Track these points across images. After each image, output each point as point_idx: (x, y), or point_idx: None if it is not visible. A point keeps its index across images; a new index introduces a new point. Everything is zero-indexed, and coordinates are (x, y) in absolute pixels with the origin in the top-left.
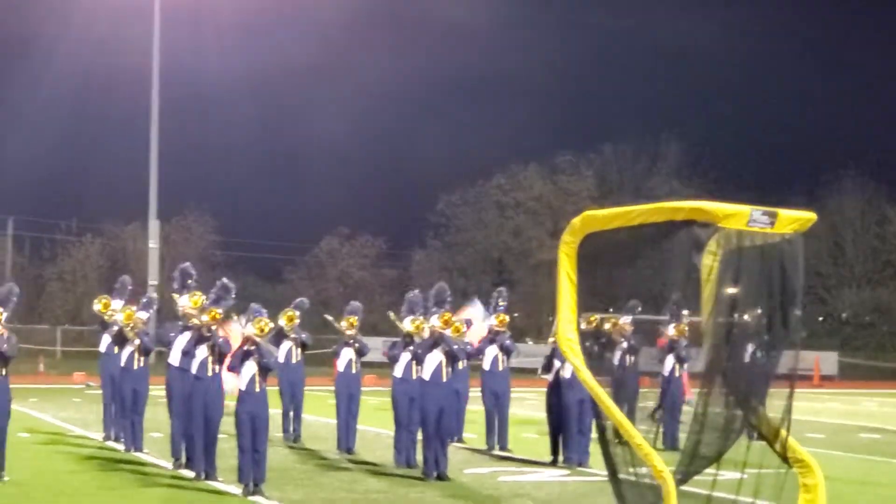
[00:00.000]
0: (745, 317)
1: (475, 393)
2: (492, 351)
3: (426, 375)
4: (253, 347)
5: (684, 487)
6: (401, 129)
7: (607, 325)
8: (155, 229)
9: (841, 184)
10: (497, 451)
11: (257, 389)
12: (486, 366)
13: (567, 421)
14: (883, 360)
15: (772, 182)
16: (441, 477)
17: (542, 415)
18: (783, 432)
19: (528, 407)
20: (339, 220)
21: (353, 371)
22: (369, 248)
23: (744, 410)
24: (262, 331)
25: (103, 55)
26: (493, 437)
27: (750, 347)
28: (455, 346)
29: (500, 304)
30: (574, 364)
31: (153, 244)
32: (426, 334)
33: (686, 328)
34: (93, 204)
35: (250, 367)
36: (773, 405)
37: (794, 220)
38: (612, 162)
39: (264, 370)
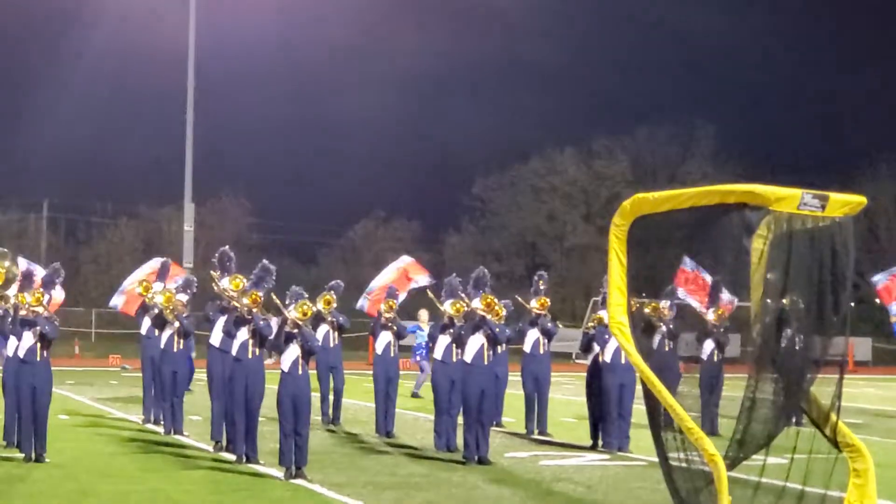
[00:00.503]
0: (796, 301)
1: (513, 376)
2: (533, 334)
3: (468, 358)
4: (296, 330)
5: (733, 473)
6: (437, 113)
7: (647, 310)
8: (190, 212)
9: (875, 169)
10: (536, 436)
11: (300, 372)
12: (528, 349)
13: (607, 405)
14: None
15: (806, 167)
16: (482, 461)
17: (577, 398)
18: (833, 417)
19: (564, 391)
20: (374, 204)
21: (392, 354)
22: (404, 231)
23: (794, 395)
24: (304, 314)
25: (140, 37)
26: (532, 421)
27: (800, 332)
28: (497, 329)
29: (542, 287)
30: (625, 347)
31: (188, 227)
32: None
33: (725, 313)
34: (128, 187)
35: (293, 350)
36: (823, 390)
37: (844, 203)
38: (646, 146)
39: (307, 353)
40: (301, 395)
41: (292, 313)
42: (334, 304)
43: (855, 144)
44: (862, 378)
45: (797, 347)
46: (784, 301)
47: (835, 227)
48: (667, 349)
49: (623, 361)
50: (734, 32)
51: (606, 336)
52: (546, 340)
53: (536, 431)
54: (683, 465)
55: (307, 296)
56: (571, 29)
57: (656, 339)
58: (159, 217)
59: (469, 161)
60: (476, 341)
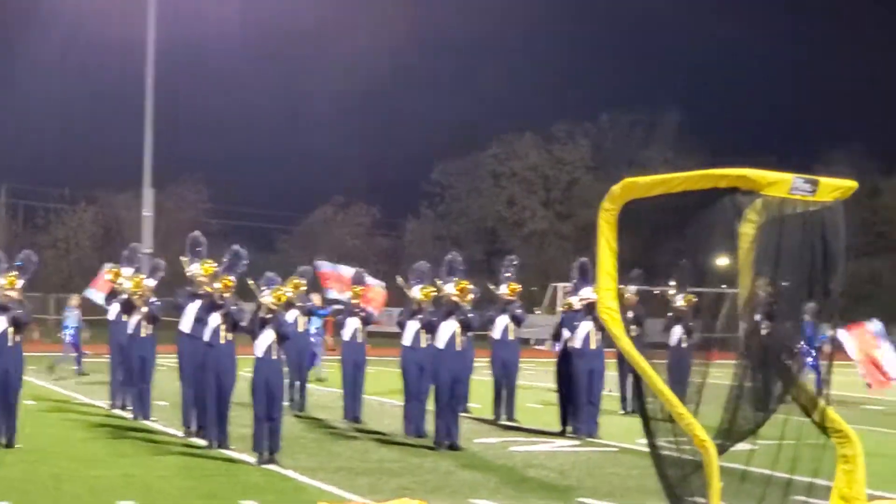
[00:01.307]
0: (786, 286)
1: (477, 362)
2: (502, 320)
3: (440, 344)
4: (270, 315)
5: (720, 462)
6: (396, 98)
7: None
8: (149, 197)
9: (834, 156)
10: (504, 421)
11: (274, 357)
12: (497, 335)
13: (576, 391)
14: None
15: (766, 154)
16: (453, 447)
17: (540, 384)
18: (822, 402)
19: (527, 377)
20: (333, 190)
21: (359, 340)
22: (363, 217)
23: (783, 382)
24: (279, 300)
25: (99, 22)
26: (500, 407)
27: (790, 317)
28: (470, 315)
29: (510, 272)
30: (614, 333)
31: (147, 212)
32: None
33: (694, 299)
34: (87, 172)
35: (268, 336)
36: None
37: (835, 187)
38: (607, 132)
39: (282, 339)
40: (275, 381)
41: (267, 299)
42: (303, 290)
43: (815, 131)
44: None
45: (787, 332)
46: (775, 286)
47: (825, 211)
48: (633, 335)
49: (593, 347)
50: (696, 18)
51: (576, 322)
52: (515, 327)
53: (504, 417)
54: (674, 452)
55: (280, 281)
56: (531, 13)
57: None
58: (118, 203)
59: (429, 146)
60: (448, 327)
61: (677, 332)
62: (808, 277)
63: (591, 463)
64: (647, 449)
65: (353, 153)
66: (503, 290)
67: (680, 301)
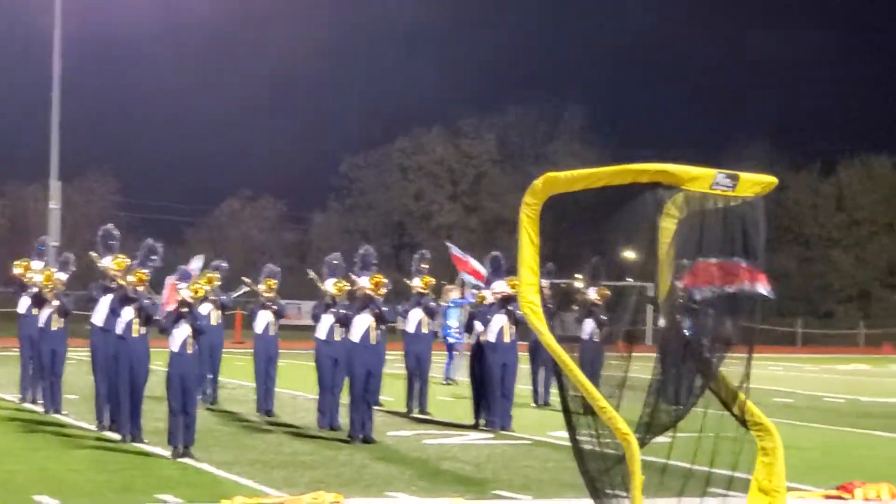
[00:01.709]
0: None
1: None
2: (416, 314)
3: (355, 338)
4: (186, 310)
5: (641, 456)
6: (304, 91)
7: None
8: (56, 190)
9: (741, 149)
10: (417, 414)
11: (189, 351)
12: (410, 328)
13: (490, 384)
14: (780, 325)
15: (673, 146)
16: (367, 440)
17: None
18: (742, 396)
19: (435, 370)
20: (241, 183)
21: (272, 333)
22: (270, 210)
23: (703, 375)
24: (196, 293)
25: (5, 12)
26: (412, 400)
27: (710, 312)
28: (385, 309)
29: (423, 266)
30: (536, 328)
31: (54, 205)
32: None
33: (607, 292)
34: None
35: (183, 330)
36: (733, 369)
37: (755, 183)
38: (514, 125)
39: (197, 333)
40: (190, 375)
41: (184, 292)
42: (217, 284)
43: (723, 125)
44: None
45: (707, 327)
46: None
47: (746, 206)
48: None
49: (506, 340)
50: (602, 9)
51: (489, 316)
52: (429, 320)
53: (417, 410)
54: (596, 447)
55: (193, 275)
56: (439, 8)
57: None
58: (25, 195)
59: (336, 140)
60: (363, 321)
61: (589, 325)
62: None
63: (505, 456)
64: (560, 442)
65: (260, 146)
66: (416, 283)
67: (593, 294)
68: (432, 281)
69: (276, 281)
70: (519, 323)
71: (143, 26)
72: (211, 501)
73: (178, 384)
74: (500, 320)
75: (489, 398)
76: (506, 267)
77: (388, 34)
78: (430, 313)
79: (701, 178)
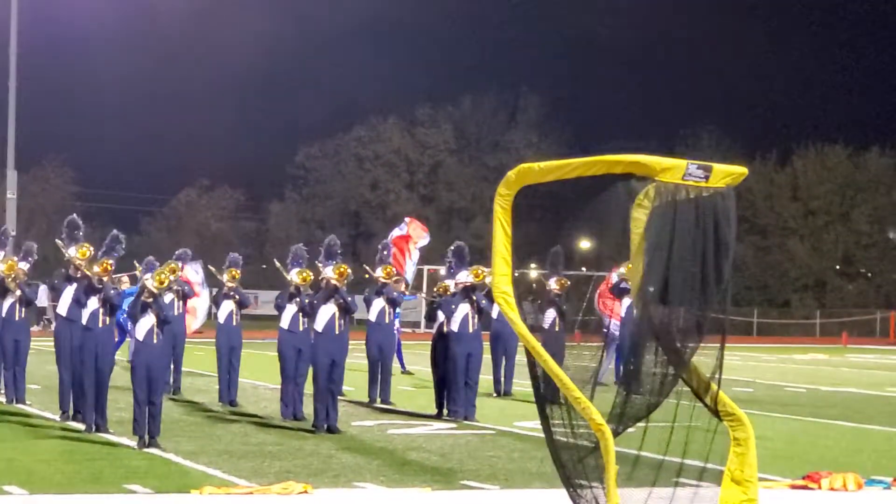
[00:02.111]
0: (679, 271)
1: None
2: (378, 303)
3: (319, 327)
4: (151, 300)
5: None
6: (261, 81)
7: (489, 279)
8: (13, 180)
9: (697, 138)
10: (379, 404)
11: (155, 341)
12: (373, 318)
13: (454, 374)
14: (736, 315)
15: (630, 135)
16: (331, 430)
17: (412, 367)
18: (714, 386)
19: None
20: (198, 172)
21: (234, 323)
22: (228, 199)
23: (675, 366)
24: (161, 283)
25: None
26: (375, 390)
27: (683, 301)
28: (349, 299)
29: (386, 256)
30: (510, 317)
31: (11, 195)
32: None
33: (567, 282)
34: None
35: (148, 319)
36: (705, 359)
37: (727, 174)
38: (470, 115)
39: (162, 322)
40: (156, 365)
41: (149, 282)
42: (178, 273)
43: (677, 113)
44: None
45: (680, 317)
46: (668, 271)
47: (717, 197)
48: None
49: (470, 330)
50: (558, 0)
51: (453, 305)
52: (391, 309)
53: (379, 400)
54: (570, 438)
55: (159, 265)
56: None
57: (495, 309)
58: None
59: (292, 129)
60: (327, 310)
61: (551, 314)
62: (700, 263)
63: (470, 446)
64: (524, 432)
65: (217, 136)
66: (379, 273)
67: (553, 284)
68: (394, 271)
69: (238, 271)
70: (482, 312)
71: (99, 16)
72: (179, 491)
73: (144, 374)
74: (463, 309)
75: (451, 388)
76: (469, 257)
77: (346, 24)
78: (393, 303)
79: (673, 169)
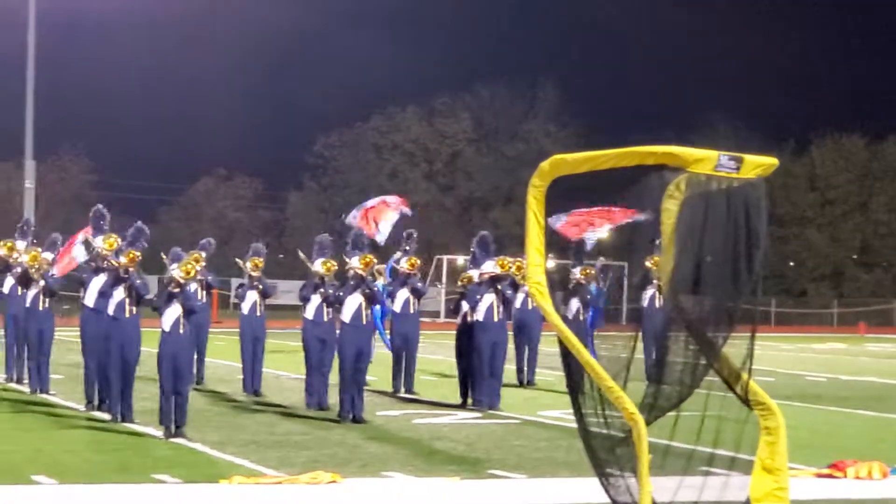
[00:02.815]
0: (711, 261)
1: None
2: (403, 294)
3: (346, 318)
4: (178, 290)
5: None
6: (279, 70)
7: (513, 269)
8: (31, 169)
9: (714, 129)
10: (404, 394)
11: (181, 331)
12: (398, 308)
13: (479, 364)
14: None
15: (645, 126)
16: (357, 420)
17: (432, 357)
18: (745, 376)
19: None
20: (216, 161)
21: (258, 313)
22: (246, 189)
23: (706, 356)
24: (188, 273)
25: None
26: (399, 380)
27: (714, 291)
28: (376, 289)
29: (409, 247)
30: (543, 307)
31: (29, 184)
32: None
33: (592, 271)
34: None
35: (175, 310)
36: (736, 349)
37: (758, 164)
38: (488, 105)
39: (188, 312)
40: (182, 355)
41: (175, 272)
42: (203, 263)
43: (693, 104)
44: None
45: (712, 307)
46: (700, 262)
47: (748, 188)
48: (530, 307)
49: (496, 320)
50: None
51: (478, 295)
52: (416, 300)
53: (403, 390)
54: (603, 428)
55: (186, 255)
56: None
57: (520, 297)
58: None
59: (311, 118)
60: (354, 301)
61: (575, 304)
62: (732, 253)
63: (495, 435)
64: (549, 421)
65: (235, 125)
66: (403, 263)
67: (577, 273)
68: (418, 262)
69: (262, 260)
70: (507, 302)
71: (116, 4)
72: (208, 481)
73: (170, 364)
74: (488, 299)
75: (476, 377)
76: (494, 247)
77: (364, 12)
78: (417, 293)
79: (705, 160)
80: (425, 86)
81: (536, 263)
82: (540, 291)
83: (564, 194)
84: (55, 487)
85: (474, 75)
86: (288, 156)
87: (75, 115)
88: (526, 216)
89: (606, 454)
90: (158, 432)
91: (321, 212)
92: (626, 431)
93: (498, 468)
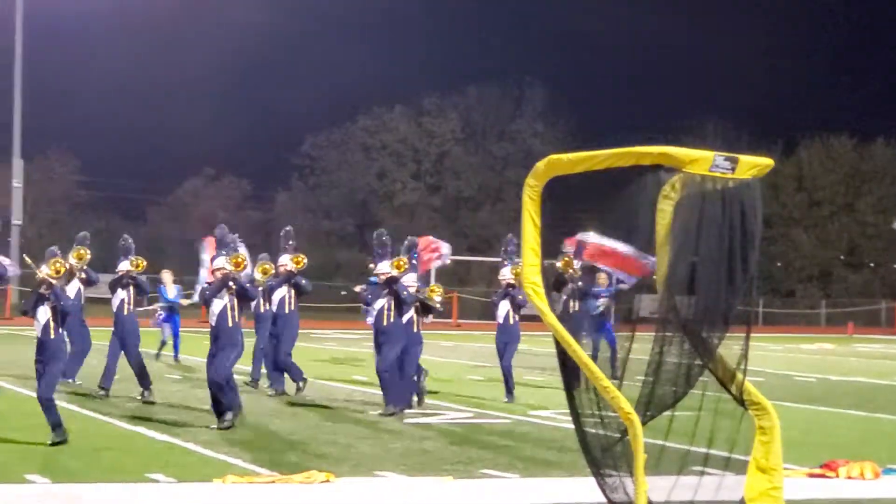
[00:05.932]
0: (705, 262)
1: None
2: (504, 305)
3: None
4: (48, 291)
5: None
6: (267, 70)
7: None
8: (19, 168)
9: (703, 129)
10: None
11: (52, 336)
12: (500, 319)
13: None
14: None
15: (632, 126)
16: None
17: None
18: (739, 375)
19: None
20: (204, 161)
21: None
22: (233, 189)
23: (701, 356)
24: (57, 272)
25: None
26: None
27: (709, 291)
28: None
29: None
30: (539, 307)
31: (17, 184)
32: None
33: (580, 270)
34: None
35: (44, 312)
36: (730, 349)
37: (753, 165)
38: (476, 104)
39: (60, 314)
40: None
41: (44, 271)
42: (87, 258)
43: (682, 104)
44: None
45: (707, 307)
46: (695, 262)
47: (743, 188)
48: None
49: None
50: None
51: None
52: (515, 312)
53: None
54: (599, 428)
55: (59, 253)
56: None
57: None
58: None
59: (299, 119)
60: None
61: (504, 306)
62: (727, 253)
63: (488, 435)
64: (540, 421)
65: (223, 126)
66: (288, 261)
67: (507, 274)
68: (304, 260)
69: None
70: (520, 307)
71: (103, 4)
72: (202, 480)
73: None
74: (505, 305)
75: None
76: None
77: (353, 13)
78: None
79: (701, 161)
80: (413, 85)
81: (532, 264)
82: (536, 291)
83: (560, 195)
84: (47, 486)
85: (462, 75)
86: (276, 156)
87: (63, 116)
88: (521, 216)
89: (602, 454)
90: (151, 432)
91: (309, 212)
92: (622, 431)
93: (490, 468)
